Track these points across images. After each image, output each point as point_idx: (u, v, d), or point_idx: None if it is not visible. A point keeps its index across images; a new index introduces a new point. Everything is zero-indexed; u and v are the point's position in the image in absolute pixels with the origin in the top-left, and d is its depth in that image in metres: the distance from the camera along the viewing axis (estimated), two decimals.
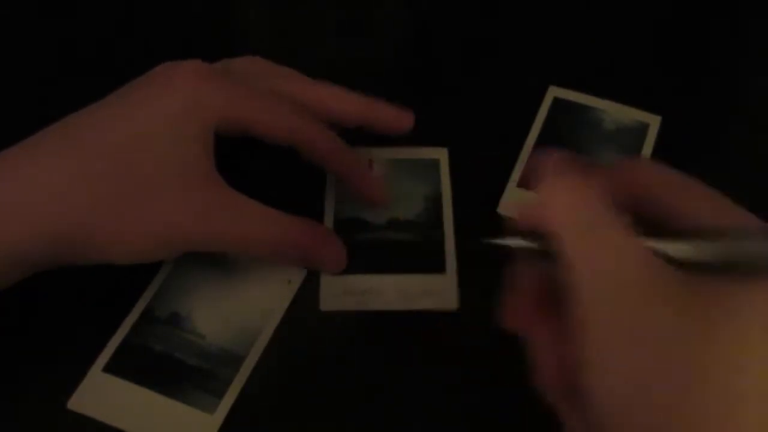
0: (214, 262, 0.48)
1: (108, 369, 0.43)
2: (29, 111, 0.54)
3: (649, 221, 0.27)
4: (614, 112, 0.55)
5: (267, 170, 0.51)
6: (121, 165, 0.36)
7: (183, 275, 0.48)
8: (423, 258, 0.47)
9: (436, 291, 0.46)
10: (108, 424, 0.43)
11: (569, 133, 0.54)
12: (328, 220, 0.49)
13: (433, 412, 0.44)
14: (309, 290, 0.46)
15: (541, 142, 0.54)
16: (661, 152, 0.55)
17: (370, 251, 0.47)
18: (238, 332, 0.44)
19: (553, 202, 0.28)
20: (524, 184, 0.52)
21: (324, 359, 0.45)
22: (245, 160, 0.48)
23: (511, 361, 0.42)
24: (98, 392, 0.43)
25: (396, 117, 0.47)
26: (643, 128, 0.56)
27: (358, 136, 0.51)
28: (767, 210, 0.45)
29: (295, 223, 0.44)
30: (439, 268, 0.47)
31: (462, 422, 0.43)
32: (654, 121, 0.56)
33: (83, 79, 0.57)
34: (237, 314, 0.45)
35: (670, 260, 0.26)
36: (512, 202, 0.51)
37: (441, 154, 0.52)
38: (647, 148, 0.55)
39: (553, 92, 0.56)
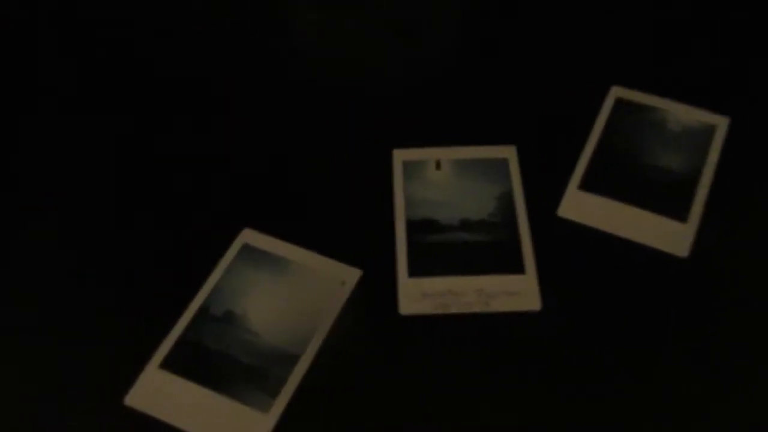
0: (269, 261, 0.48)
1: (164, 365, 0.44)
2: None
3: None
4: (679, 113, 0.54)
5: (330, 174, 0.52)
6: None
7: (238, 274, 0.48)
8: (501, 259, 0.47)
9: (517, 291, 0.45)
10: (164, 421, 0.43)
11: (632, 134, 0.53)
12: (400, 222, 0.49)
13: (508, 415, 0.43)
14: (373, 293, 0.47)
15: (603, 143, 0.53)
16: (729, 156, 0.53)
17: (446, 253, 0.47)
18: (293, 332, 0.45)
19: None
20: (585, 186, 0.51)
21: (382, 361, 0.45)
22: (303, 164, 0.49)
23: (596, 359, 0.44)
24: (155, 389, 0.43)
25: None
26: (710, 130, 0.54)
27: (425, 136, 0.51)
28: None
29: None
30: (518, 268, 0.46)
31: (544, 424, 0.43)
32: (722, 123, 0.55)
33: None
34: (291, 314, 0.46)
35: None
36: (573, 204, 0.50)
37: (509, 153, 0.51)
38: (714, 152, 0.53)
39: (616, 92, 0.56)
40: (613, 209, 0.50)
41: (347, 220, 0.51)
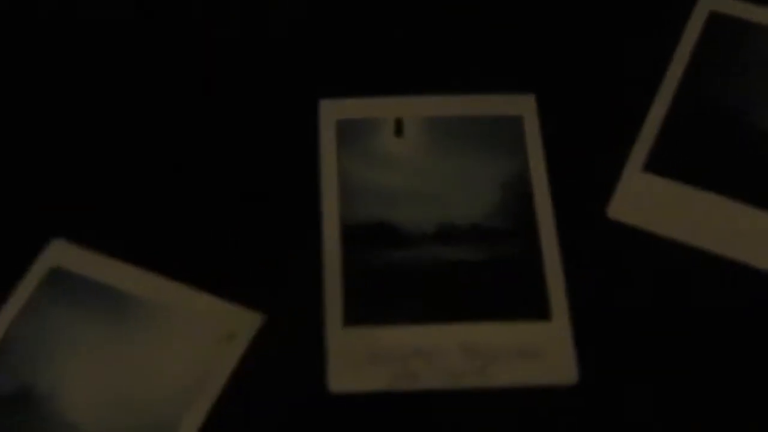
0: (99, 298, 0.39)
1: None
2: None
3: None
4: None
5: (211, 145, 0.43)
6: None
7: (42, 320, 0.39)
8: (510, 293, 0.39)
9: (537, 352, 0.37)
10: None
11: (735, 76, 0.44)
12: (330, 228, 0.40)
13: None
14: (284, 356, 0.38)
15: (686, 92, 0.43)
16: None
17: (412, 283, 0.39)
18: (142, 423, 0.37)
19: None
20: (655, 166, 0.42)
21: None
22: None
23: None
24: None
25: None
26: None
27: (377, 78, 0.44)
28: None
29: None
30: (539, 310, 0.38)
31: None
32: None
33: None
34: (137, 393, 0.37)
35: None
36: (634, 198, 0.41)
37: (525, 107, 0.43)
38: None
39: (709, 4, 0.47)
40: (703, 206, 0.41)
41: (239, 226, 0.42)
